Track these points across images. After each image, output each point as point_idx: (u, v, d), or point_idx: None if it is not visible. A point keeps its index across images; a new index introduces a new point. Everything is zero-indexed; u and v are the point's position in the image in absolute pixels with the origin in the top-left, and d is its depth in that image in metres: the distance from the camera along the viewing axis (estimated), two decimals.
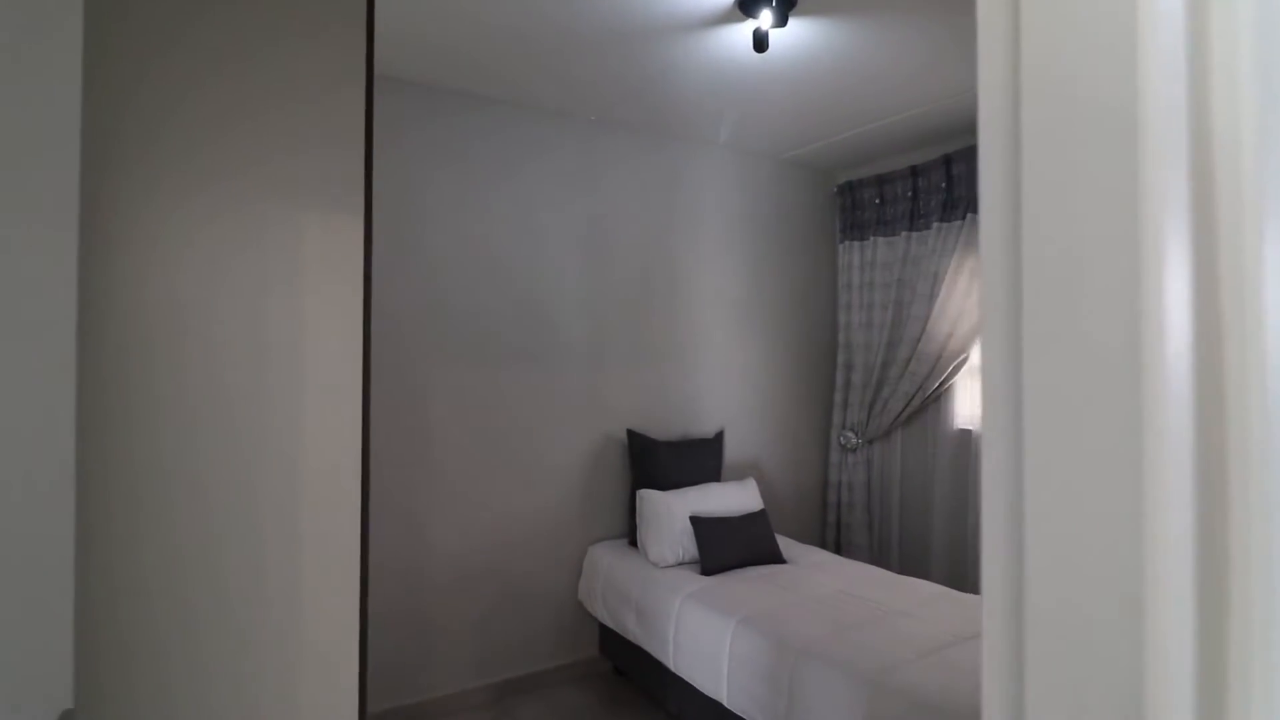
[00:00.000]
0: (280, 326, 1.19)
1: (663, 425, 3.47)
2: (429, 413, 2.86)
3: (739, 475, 3.63)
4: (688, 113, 3.22)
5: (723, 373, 3.71)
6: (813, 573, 2.86)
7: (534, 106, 3.11)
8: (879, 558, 3.84)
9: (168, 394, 1.09)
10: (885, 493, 3.87)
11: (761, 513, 3.16)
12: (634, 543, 3.15)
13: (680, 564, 2.95)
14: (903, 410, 3.64)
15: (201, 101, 1.12)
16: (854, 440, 3.88)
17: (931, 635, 2.21)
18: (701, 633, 2.45)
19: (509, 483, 3.05)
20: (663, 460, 3.23)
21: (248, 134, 1.16)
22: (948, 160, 3.43)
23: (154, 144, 1.08)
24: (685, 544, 2.96)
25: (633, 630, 2.80)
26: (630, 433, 3.30)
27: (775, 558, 3.01)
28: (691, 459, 3.31)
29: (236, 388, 1.15)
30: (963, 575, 3.38)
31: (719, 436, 3.51)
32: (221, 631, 1.14)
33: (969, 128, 3.36)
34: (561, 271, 3.20)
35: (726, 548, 2.93)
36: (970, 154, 3.32)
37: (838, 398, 3.99)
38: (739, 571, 2.89)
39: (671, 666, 2.57)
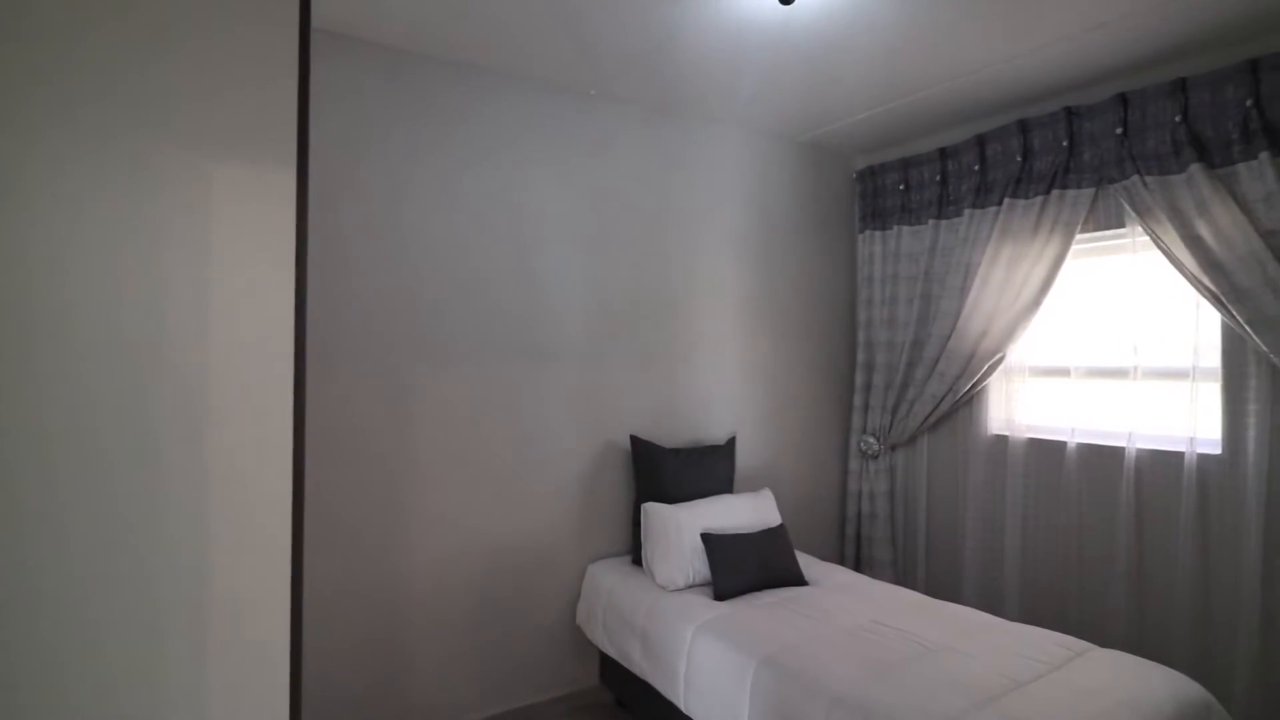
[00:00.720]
0: (177, 307, 0.90)
1: (669, 431, 3.17)
2: (409, 417, 2.55)
3: (752, 485, 3.33)
4: (698, 86, 2.91)
5: (734, 373, 3.40)
6: (838, 597, 2.56)
7: (526, 77, 2.80)
8: (904, 575, 3.54)
9: (12, 403, 0.80)
10: (910, 503, 3.57)
11: (780, 528, 2.85)
12: (638, 561, 2.85)
13: (690, 586, 2.65)
14: (930, 414, 3.34)
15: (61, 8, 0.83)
16: (875, 446, 3.58)
17: (985, 677, 1.91)
18: (718, 671, 2.15)
19: (498, 494, 2.75)
20: (670, 469, 2.93)
21: (119, 55, 0.87)
22: (981, 141, 3.13)
23: None
24: (696, 564, 2.66)
25: (638, 662, 2.49)
26: (634, 439, 2.99)
27: (796, 579, 2.70)
28: (701, 468, 3.00)
29: (100, 387, 0.85)
30: (999, 597, 3.08)
31: (730, 443, 3.20)
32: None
33: (1005, 104, 3.06)
34: (557, 262, 2.89)
35: (742, 568, 2.62)
36: (1005, 133, 3.02)
37: (857, 400, 3.68)
38: (756, 595, 2.58)
39: (682, 707, 2.26)
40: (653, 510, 2.75)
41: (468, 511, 2.67)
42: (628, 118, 3.07)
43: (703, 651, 2.23)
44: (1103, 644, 2.65)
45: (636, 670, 2.50)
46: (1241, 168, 2.35)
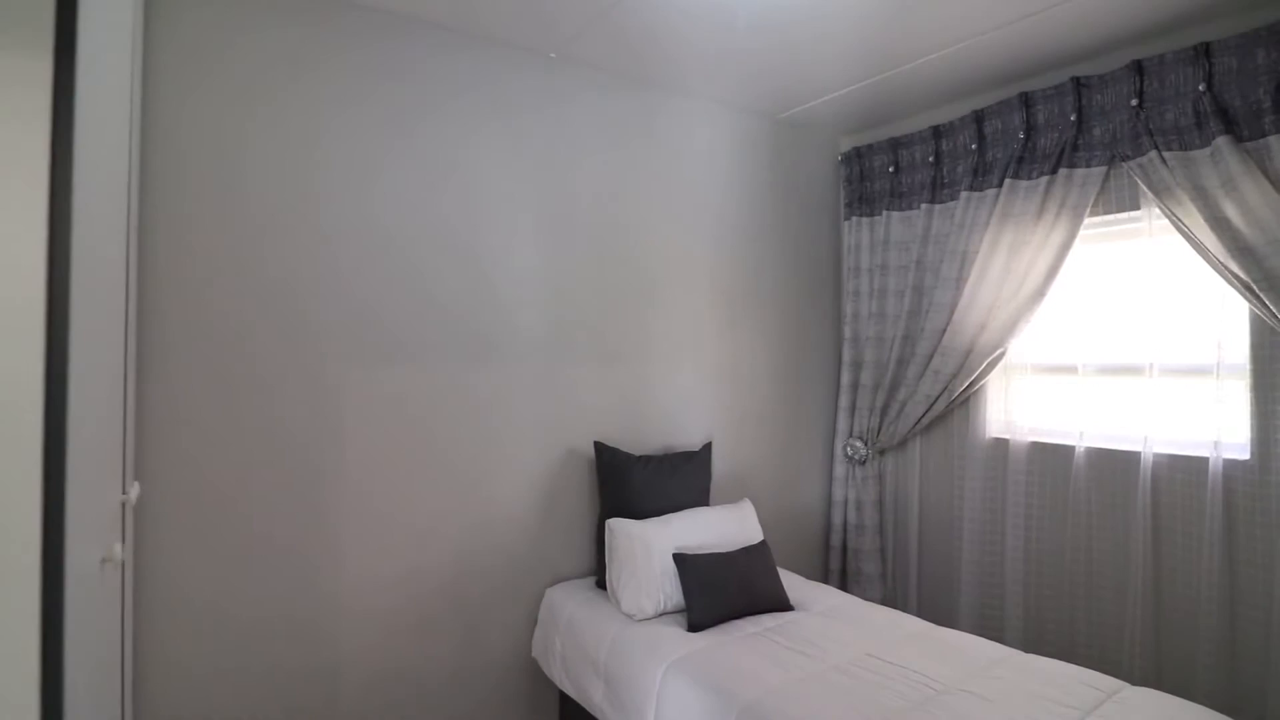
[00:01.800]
0: None
1: (638, 436, 2.84)
2: (339, 423, 2.19)
3: (730, 495, 3.02)
4: (666, 51, 2.59)
5: (709, 372, 3.09)
6: (829, 625, 2.26)
7: (476, 34, 2.46)
8: (894, 592, 3.26)
9: None
10: (901, 513, 3.29)
11: (762, 545, 2.54)
12: (603, 584, 2.52)
13: (661, 614, 2.33)
14: (923, 415, 3.06)
15: None
16: (863, 451, 3.30)
17: None
18: None
19: (443, 510, 2.40)
20: (638, 480, 2.60)
21: None
22: (978, 117, 2.86)
23: None
24: (667, 588, 2.33)
25: (600, 705, 2.16)
26: (598, 446, 2.66)
27: (780, 604, 2.40)
28: (674, 478, 2.68)
29: None
30: (999, 618, 2.81)
31: (706, 449, 2.89)
32: None
33: (1005, 76, 2.79)
34: (511, 248, 2.55)
35: (720, 593, 2.31)
36: (1006, 108, 2.75)
37: (843, 400, 3.40)
38: (736, 624, 2.27)
39: None
40: (618, 527, 2.43)
41: (406, 530, 2.31)
42: (591, 86, 2.74)
43: (675, 696, 1.91)
44: (1116, 673, 2.39)
45: (598, 715, 2.17)
46: (1274, 140, 2.10)
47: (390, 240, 2.29)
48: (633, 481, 2.58)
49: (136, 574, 1.88)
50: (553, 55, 2.63)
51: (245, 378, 2.05)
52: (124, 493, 1.53)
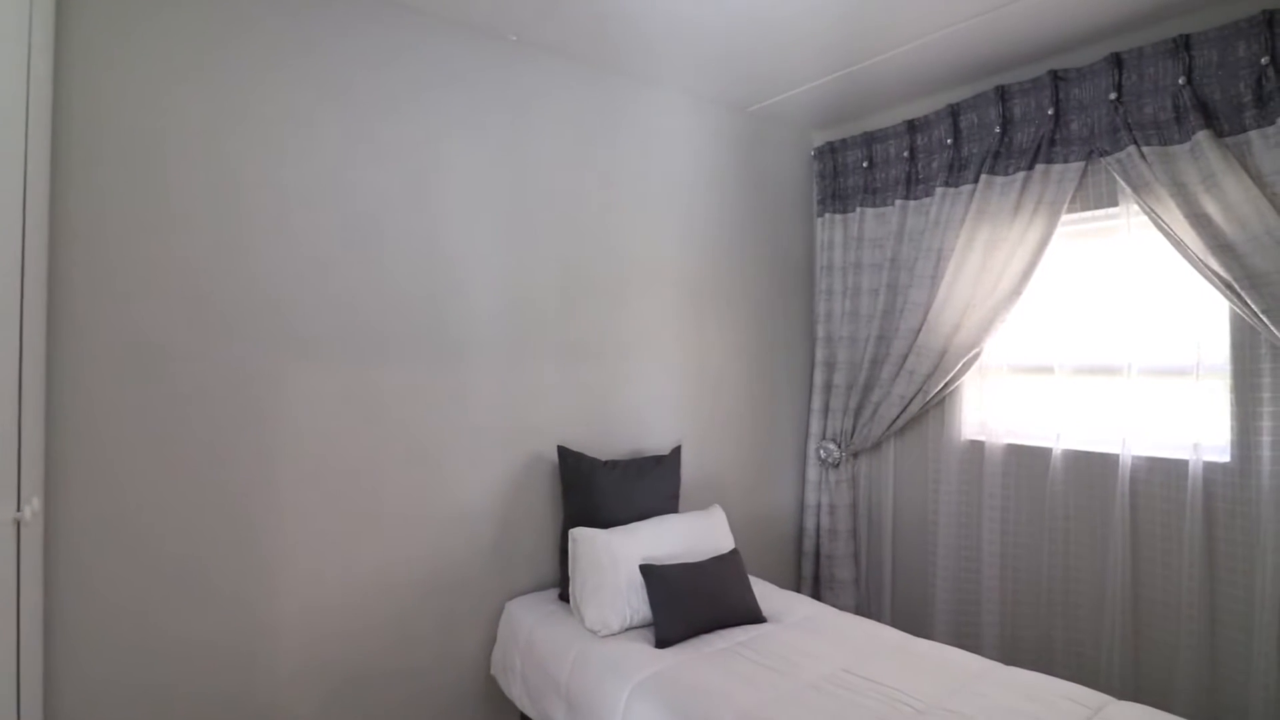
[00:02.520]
0: None
1: (604, 440, 2.71)
2: (272, 428, 2.02)
3: (700, 501, 2.91)
4: (638, 36, 2.46)
5: (678, 373, 2.97)
6: (803, 638, 2.15)
7: (432, 15, 2.30)
8: (868, 598, 3.18)
9: None
10: (875, 517, 3.21)
11: (733, 554, 2.43)
12: (566, 596, 2.38)
13: (627, 629, 2.20)
14: (897, 417, 2.98)
15: None
16: (836, 453, 3.21)
17: None
18: None
19: (392, 520, 2.23)
20: (604, 486, 2.47)
21: None
22: (954, 111, 2.78)
23: None
24: (634, 602, 2.21)
25: None
26: (562, 451, 2.52)
27: (752, 616, 2.28)
28: (641, 484, 2.55)
29: None
30: (975, 625, 2.73)
31: (675, 453, 2.76)
32: None
33: (981, 69, 2.72)
34: (467, 242, 2.40)
35: (689, 607, 2.19)
36: (981, 102, 2.68)
37: (816, 402, 3.31)
38: (706, 639, 2.15)
39: None
40: (582, 537, 2.29)
41: (350, 542, 2.15)
42: (555, 72, 2.60)
43: None
44: (1094, 682, 2.34)
45: None
46: (1254, 135, 2.05)
47: (336, 230, 2.13)
48: (598, 488, 2.45)
49: (46, 593, 1.69)
50: (514, 38, 2.48)
51: (171, 381, 1.87)
52: (17, 509, 1.35)
